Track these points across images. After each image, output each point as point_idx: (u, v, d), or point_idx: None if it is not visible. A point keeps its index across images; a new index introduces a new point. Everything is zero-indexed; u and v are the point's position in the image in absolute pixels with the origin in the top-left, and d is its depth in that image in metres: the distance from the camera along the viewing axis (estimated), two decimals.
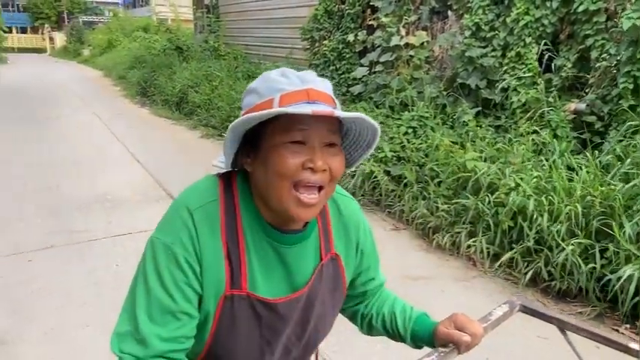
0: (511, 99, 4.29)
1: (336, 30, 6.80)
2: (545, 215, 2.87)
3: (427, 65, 5.45)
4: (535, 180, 3.10)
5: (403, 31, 5.53)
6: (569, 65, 4.12)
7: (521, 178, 3.17)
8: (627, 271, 2.42)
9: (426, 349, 0.97)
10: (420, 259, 3.34)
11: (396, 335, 1.03)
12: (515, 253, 2.98)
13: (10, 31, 36.52)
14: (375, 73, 5.77)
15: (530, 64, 4.31)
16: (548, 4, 4.24)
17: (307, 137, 0.78)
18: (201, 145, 6.66)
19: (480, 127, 4.29)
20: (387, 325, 1.04)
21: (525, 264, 2.93)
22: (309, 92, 0.78)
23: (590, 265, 2.64)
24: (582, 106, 3.87)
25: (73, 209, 4.04)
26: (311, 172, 0.78)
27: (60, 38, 33.83)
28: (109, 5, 42.17)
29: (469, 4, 4.89)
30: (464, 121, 4.39)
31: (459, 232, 3.33)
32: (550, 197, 2.94)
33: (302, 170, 0.78)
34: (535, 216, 2.92)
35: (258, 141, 0.81)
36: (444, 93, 4.93)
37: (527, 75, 4.28)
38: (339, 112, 0.75)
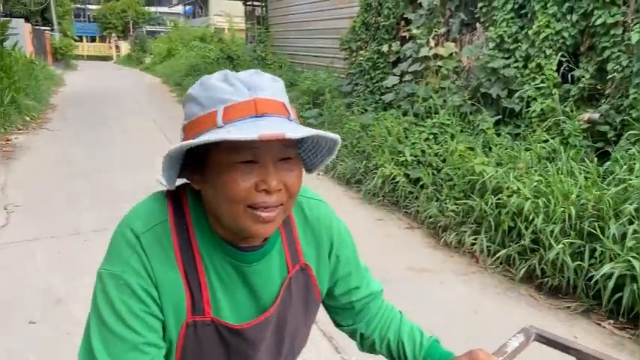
0: (529, 108, 4.47)
1: (372, 41, 7.13)
2: (541, 216, 3.07)
3: (455, 75, 5.68)
4: (535, 184, 3.30)
5: (432, 43, 5.78)
6: (587, 76, 4.25)
7: (523, 182, 3.38)
8: (605, 268, 2.60)
9: None
10: (427, 254, 3.61)
11: None
12: (512, 251, 3.20)
13: (81, 40, 39.15)
14: (404, 82, 6.05)
15: (550, 74, 4.47)
16: (568, 17, 4.39)
17: (258, 156, 0.71)
18: None
19: (499, 134, 4.50)
20: (392, 351, 0.97)
21: (521, 261, 3.15)
22: (256, 103, 0.71)
23: (577, 263, 2.83)
24: (596, 115, 4.00)
25: (125, 201, 4.58)
26: (265, 194, 0.72)
27: (125, 47, 36.05)
28: (171, 16, 44.32)
29: (494, 17, 5.09)
30: (482, 129, 4.61)
31: (464, 231, 3.57)
32: (547, 200, 3.14)
33: (255, 193, 0.72)
34: (532, 217, 3.13)
35: (205, 159, 0.74)
36: (468, 102, 5.14)
37: (545, 85, 4.45)
38: (291, 133, 0.67)
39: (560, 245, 2.88)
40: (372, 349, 1.01)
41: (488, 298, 2.99)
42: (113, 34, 39.65)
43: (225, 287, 0.80)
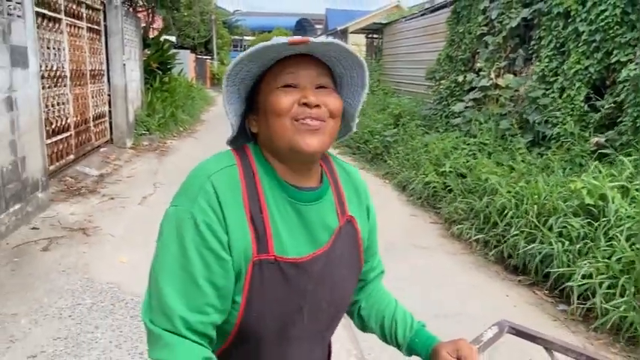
0: (553, 132, 5.18)
1: (452, 72, 8.12)
2: (511, 212, 3.96)
3: (511, 103, 6.46)
4: (518, 189, 4.16)
5: (493, 74, 6.65)
6: (607, 106, 4.87)
7: (512, 187, 4.25)
8: (536, 246, 3.45)
9: None
10: (433, 239, 4.61)
11: (392, 342, 1.06)
12: (491, 237, 4.10)
13: None
14: (468, 108, 6.96)
15: (577, 104, 5.14)
16: (595, 55, 5.06)
17: (297, 80, 0.83)
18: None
19: (529, 153, 5.28)
20: (385, 330, 1.06)
21: (495, 246, 4.04)
22: (289, 40, 0.80)
23: (529, 246, 3.67)
24: (602, 140, 4.63)
25: None
26: (306, 107, 0.82)
27: None
28: None
29: (540, 54, 5.85)
30: (515, 148, 5.42)
31: (465, 224, 4.52)
32: (519, 200, 4.00)
33: (297, 106, 0.82)
34: (506, 212, 4.02)
35: (257, 99, 0.86)
36: (515, 126, 5.94)
37: (571, 113, 5.13)
38: (312, 39, 0.78)
39: (516, 231, 3.76)
40: (366, 326, 1.10)
41: (462, 270, 3.94)
42: None
43: (286, 224, 0.86)
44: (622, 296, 2.89)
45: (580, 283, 3.08)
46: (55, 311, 2.94)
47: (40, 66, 5.11)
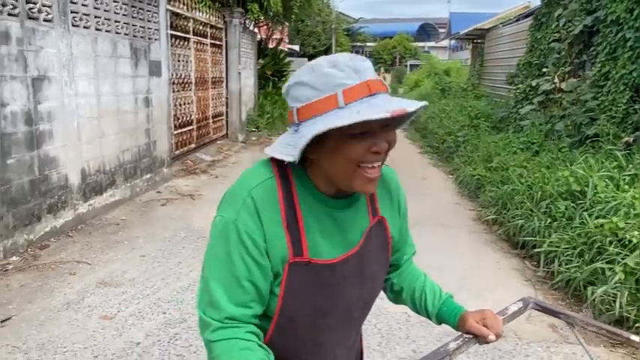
0: (592, 132, 5.56)
1: (529, 76, 8.48)
2: (518, 197, 4.61)
3: (572, 106, 6.79)
4: (531, 179, 4.78)
5: (557, 79, 7.02)
6: None
7: (529, 178, 4.86)
8: (528, 224, 4.12)
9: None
10: (463, 221, 5.35)
11: (422, 311, 1.16)
12: (503, 219, 4.77)
13: None
14: (533, 110, 7.37)
15: (620, 106, 5.47)
16: (639, 60, 5.35)
17: (371, 126, 0.85)
18: (415, 157, 9.44)
19: (571, 152, 5.72)
20: (415, 301, 1.16)
21: (504, 226, 4.71)
22: (369, 85, 0.84)
23: (525, 225, 4.33)
24: (631, 139, 4.97)
25: None
26: (376, 155, 0.87)
27: (389, 78, 41.42)
28: (437, 50, 47.86)
29: (596, 60, 6.17)
30: (559, 148, 5.87)
31: (490, 208, 5.20)
32: (529, 187, 4.63)
33: (369, 154, 0.86)
34: (516, 197, 4.68)
35: (325, 136, 0.84)
36: (569, 127, 6.33)
37: (613, 115, 5.48)
38: (409, 108, 0.82)
39: (518, 212, 4.42)
40: (398, 298, 1.21)
41: (472, 243, 4.69)
42: (381, 68, 45.68)
43: (320, 231, 0.94)
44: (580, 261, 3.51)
45: (546, 250, 3.73)
46: (161, 237, 4.45)
47: (171, 75, 6.87)
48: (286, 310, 0.94)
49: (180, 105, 7.57)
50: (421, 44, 49.12)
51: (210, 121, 9.17)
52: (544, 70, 7.51)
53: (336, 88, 0.84)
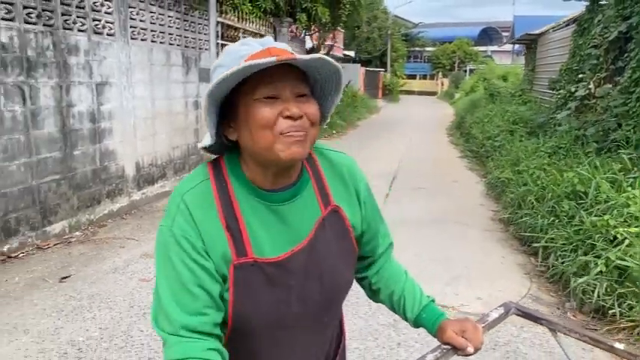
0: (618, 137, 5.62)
1: (569, 82, 8.46)
2: (529, 198, 4.83)
3: (606, 112, 6.79)
4: (546, 181, 4.97)
5: (592, 85, 7.04)
6: None
7: (545, 179, 5.05)
8: (532, 221, 4.36)
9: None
10: (482, 220, 5.60)
11: (400, 314, 1.12)
12: (516, 216, 5.00)
13: (413, 78, 46.15)
14: (568, 116, 7.41)
15: None
16: None
17: (278, 91, 0.84)
18: (453, 161, 9.64)
19: (597, 156, 5.80)
20: (394, 303, 1.12)
21: (517, 224, 4.94)
22: (270, 50, 0.84)
23: (532, 222, 4.55)
24: None
25: (373, 175, 7.99)
26: (290, 120, 0.84)
27: (447, 83, 40.93)
28: (500, 54, 46.65)
29: (628, 66, 6.19)
30: (585, 152, 5.96)
31: (508, 209, 5.42)
32: (542, 188, 4.84)
33: (282, 120, 0.83)
34: (528, 198, 4.89)
35: (235, 108, 0.87)
36: (600, 133, 6.37)
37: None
38: (300, 56, 0.81)
39: (528, 211, 4.65)
40: (376, 297, 1.16)
41: (483, 240, 4.95)
42: (440, 73, 45.19)
43: (263, 226, 0.91)
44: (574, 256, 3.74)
45: (544, 245, 3.97)
46: None
47: None
48: (239, 314, 0.89)
49: None
50: (483, 48, 48.01)
51: None
52: (580, 75, 7.52)
53: (240, 59, 0.85)
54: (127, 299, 3.24)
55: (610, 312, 3.13)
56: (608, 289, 3.23)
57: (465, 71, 38.53)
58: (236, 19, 8.27)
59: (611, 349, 1.08)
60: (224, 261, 0.88)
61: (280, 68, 0.84)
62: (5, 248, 3.85)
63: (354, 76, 21.14)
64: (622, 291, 3.14)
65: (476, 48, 46.66)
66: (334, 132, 13.14)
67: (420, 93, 43.23)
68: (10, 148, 3.85)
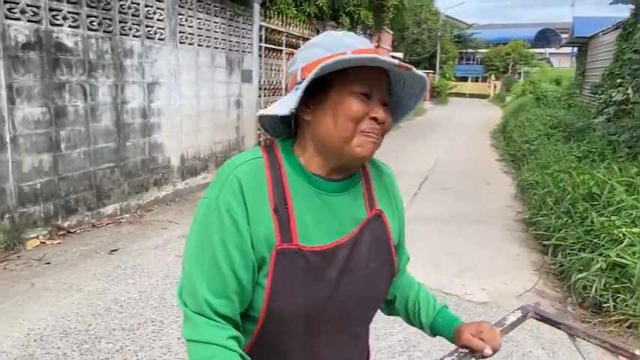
0: None
1: (611, 87, 8.35)
2: (549, 199, 4.96)
3: None
4: (568, 182, 5.08)
5: (631, 90, 6.97)
6: None
7: (568, 182, 5.16)
8: (542, 219, 4.50)
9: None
10: (505, 221, 5.74)
11: (415, 322, 1.11)
12: (532, 215, 5.14)
13: (465, 80, 45.35)
14: (605, 121, 7.36)
15: None
16: None
17: (372, 92, 0.87)
18: (490, 163, 9.69)
19: (629, 161, 5.82)
20: (409, 311, 1.12)
21: (536, 226, 5.08)
22: (377, 52, 0.86)
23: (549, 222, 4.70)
24: None
25: (408, 173, 8.26)
26: (374, 122, 0.87)
27: (499, 86, 39.98)
28: (558, 56, 44.98)
29: None
30: (616, 157, 5.98)
31: (530, 210, 5.56)
32: (562, 190, 4.96)
33: (367, 119, 0.86)
34: (547, 200, 5.03)
35: (325, 92, 0.86)
36: (634, 138, 6.34)
37: None
38: (416, 71, 0.87)
39: (545, 212, 4.80)
40: (390, 308, 1.16)
41: (502, 239, 5.12)
42: (492, 75, 44.17)
43: (312, 214, 0.88)
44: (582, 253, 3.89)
45: (555, 244, 4.14)
46: None
47: (263, 81, 8.07)
48: (274, 304, 0.85)
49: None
50: (540, 50, 46.45)
51: None
52: (618, 80, 7.44)
53: (347, 47, 0.86)
54: (164, 270, 3.74)
55: (605, 306, 3.30)
56: (607, 285, 3.39)
57: (519, 74, 37.51)
58: (280, 23, 8.74)
59: (632, 357, 1.04)
60: (266, 244, 0.84)
61: (376, 71, 0.87)
62: (66, 224, 4.46)
63: None
64: (617, 286, 3.30)
65: (532, 50, 45.20)
66: None
67: (472, 96, 42.40)
68: (73, 138, 4.45)
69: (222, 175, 0.86)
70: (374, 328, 3.02)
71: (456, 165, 9.45)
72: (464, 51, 43.72)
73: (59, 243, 4.24)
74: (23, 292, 3.30)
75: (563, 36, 47.93)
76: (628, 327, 3.13)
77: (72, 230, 4.47)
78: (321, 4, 10.02)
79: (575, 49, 42.33)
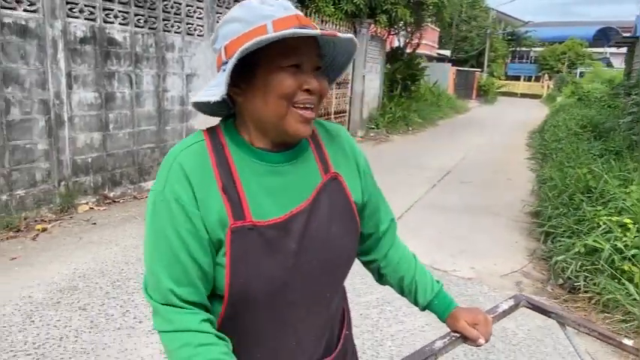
0: None
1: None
2: (553, 192, 5.20)
3: None
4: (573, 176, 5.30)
5: None
6: None
7: (575, 175, 5.37)
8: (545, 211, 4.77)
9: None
10: (513, 212, 5.99)
11: (410, 299, 1.13)
12: (533, 207, 5.38)
13: (518, 79, 44.18)
14: (633, 121, 7.38)
15: None
16: None
17: (302, 61, 0.84)
18: (519, 161, 9.80)
19: None
20: (404, 287, 1.12)
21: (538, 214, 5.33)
22: (298, 18, 0.83)
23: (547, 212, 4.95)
24: None
25: (428, 169, 8.61)
26: (307, 94, 0.85)
27: (551, 85, 38.74)
28: (619, 56, 42.96)
29: None
30: (632, 155, 6.09)
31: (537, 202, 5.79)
32: (566, 185, 5.19)
33: (300, 92, 0.84)
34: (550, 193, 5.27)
35: (254, 68, 0.83)
36: None
37: None
38: (342, 35, 0.85)
39: (547, 204, 5.05)
40: (384, 280, 1.16)
41: (505, 228, 5.40)
42: (546, 74, 42.80)
43: (262, 188, 0.87)
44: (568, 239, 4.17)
45: (546, 231, 4.42)
46: None
47: None
48: (237, 282, 0.84)
49: None
50: (600, 50, 44.48)
51: (332, 116, 10.76)
52: None
53: (266, 19, 0.82)
54: None
55: (577, 284, 3.59)
56: (582, 267, 3.68)
57: (575, 74, 36.19)
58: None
59: (619, 345, 1.08)
60: (220, 225, 0.84)
61: (306, 39, 0.83)
62: (111, 194, 5.17)
63: (443, 75, 21.23)
64: (589, 267, 3.58)
65: (591, 49, 43.37)
66: (410, 129, 13.66)
67: (523, 95, 41.24)
68: (120, 120, 5.14)
69: (166, 164, 0.86)
70: (356, 287, 3.47)
71: (483, 161, 9.64)
72: (517, 49, 42.58)
73: (105, 209, 4.95)
74: (73, 243, 4.01)
75: (626, 35, 45.59)
76: (595, 304, 3.42)
77: (116, 200, 5.17)
78: (358, 2, 10.41)
79: None
